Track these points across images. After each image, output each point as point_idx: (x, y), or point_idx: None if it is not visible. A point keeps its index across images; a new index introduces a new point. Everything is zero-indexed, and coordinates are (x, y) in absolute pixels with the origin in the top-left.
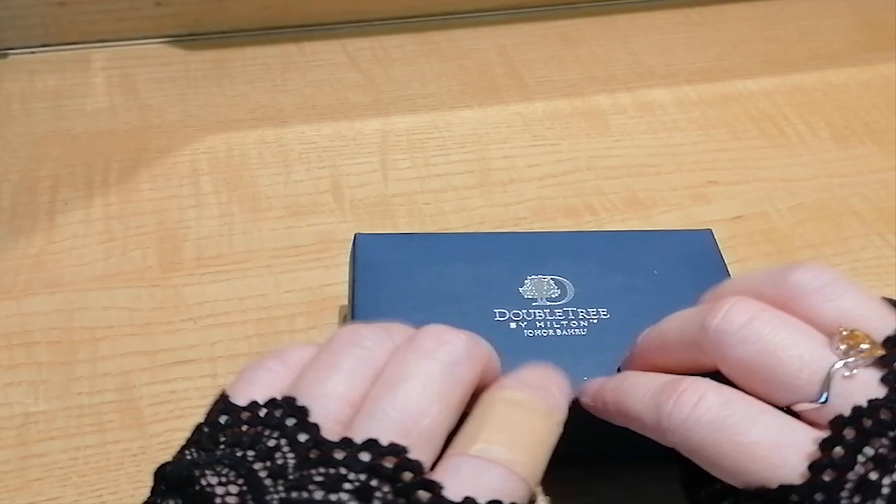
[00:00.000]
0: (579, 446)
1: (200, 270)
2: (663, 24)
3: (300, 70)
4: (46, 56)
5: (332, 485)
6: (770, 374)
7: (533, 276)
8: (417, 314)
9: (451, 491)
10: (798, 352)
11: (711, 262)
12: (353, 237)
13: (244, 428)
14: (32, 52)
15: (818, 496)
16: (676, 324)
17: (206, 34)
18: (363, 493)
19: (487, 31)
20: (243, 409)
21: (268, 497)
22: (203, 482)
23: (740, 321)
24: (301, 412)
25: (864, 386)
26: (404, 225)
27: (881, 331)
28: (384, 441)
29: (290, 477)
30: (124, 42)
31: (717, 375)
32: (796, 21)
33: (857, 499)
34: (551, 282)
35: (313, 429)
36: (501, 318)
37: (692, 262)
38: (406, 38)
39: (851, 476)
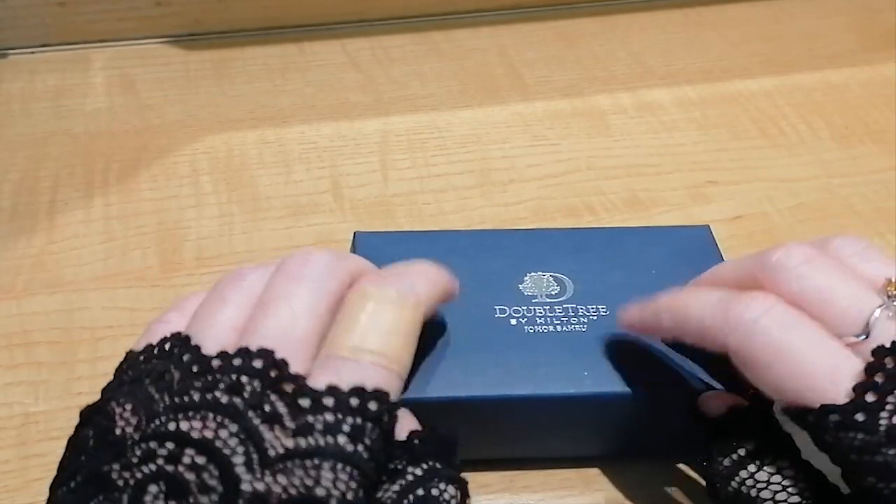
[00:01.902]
0: (582, 444)
1: (201, 270)
2: (663, 24)
3: (300, 70)
4: (46, 56)
5: (209, 387)
6: (820, 308)
7: (532, 273)
8: None
9: (315, 381)
10: (848, 291)
11: (709, 258)
12: (352, 235)
13: (142, 367)
14: (32, 52)
15: (859, 416)
16: (733, 263)
17: (206, 34)
18: (235, 389)
19: (487, 31)
20: (140, 353)
21: (155, 406)
22: (107, 408)
23: (799, 258)
24: (186, 340)
25: None
26: (404, 225)
27: None
28: (254, 348)
29: (175, 388)
30: (124, 42)
31: None
32: (796, 21)
33: (895, 420)
34: (551, 279)
35: (195, 350)
36: (502, 315)
37: (690, 258)
38: (406, 38)
39: (891, 399)
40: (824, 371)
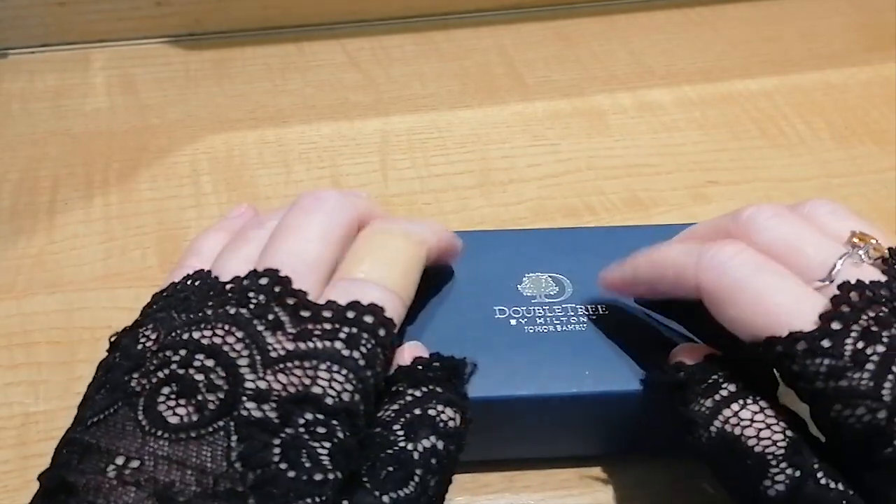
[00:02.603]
0: (583, 442)
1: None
2: (663, 24)
3: (300, 70)
4: (46, 56)
5: (220, 303)
6: (787, 256)
7: (531, 274)
8: (416, 313)
9: (318, 300)
10: (815, 241)
11: None
12: None
13: (166, 300)
14: (32, 52)
15: (825, 342)
16: (710, 221)
17: (206, 34)
18: (242, 302)
19: (487, 31)
20: (164, 290)
21: (173, 324)
22: (133, 332)
23: (769, 213)
24: (206, 274)
25: (869, 273)
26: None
27: (886, 244)
28: (260, 269)
29: (192, 308)
30: (124, 42)
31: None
32: (796, 21)
33: (860, 344)
34: (549, 279)
35: (213, 278)
36: (501, 316)
37: None
38: (406, 38)
39: (856, 327)
40: (792, 305)
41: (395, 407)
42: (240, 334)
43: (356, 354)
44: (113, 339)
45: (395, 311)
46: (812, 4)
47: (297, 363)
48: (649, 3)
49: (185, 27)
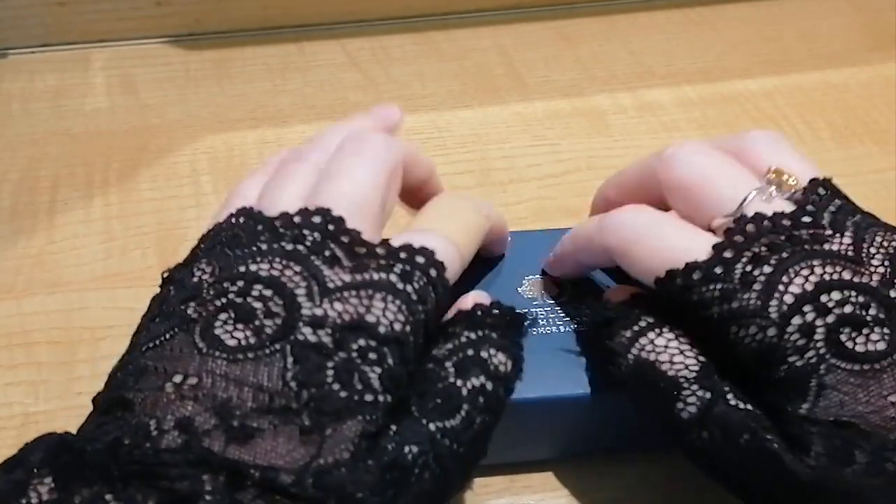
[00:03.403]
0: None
1: None
2: (663, 24)
3: (300, 70)
4: (46, 56)
5: (275, 239)
6: (701, 191)
7: (531, 277)
8: None
9: (373, 239)
10: (729, 177)
11: None
12: None
13: (213, 238)
14: (32, 52)
15: (717, 268)
16: (636, 162)
17: (206, 34)
18: (298, 238)
19: (487, 31)
20: (210, 230)
21: (228, 259)
22: (187, 267)
23: (690, 150)
24: (251, 210)
25: (776, 207)
26: (404, 225)
27: (807, 178)
28: (311, 207)
29: (245, 243)
30: (124, 42)
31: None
32: (796, 21)
33: (748, 268)
34: (549, 281)
35: (259, 215)
36: None
37: None
38: (406, 38)
39: (747, 254)
40: (688, 242)
41: (450, 346)
42: (298, 268)
43: (409, 288)
44: (165, 276)
45: (448, 257)
46: (812, 4)
47: (353, 293)
48: (649, 3)
49: (185, 27)
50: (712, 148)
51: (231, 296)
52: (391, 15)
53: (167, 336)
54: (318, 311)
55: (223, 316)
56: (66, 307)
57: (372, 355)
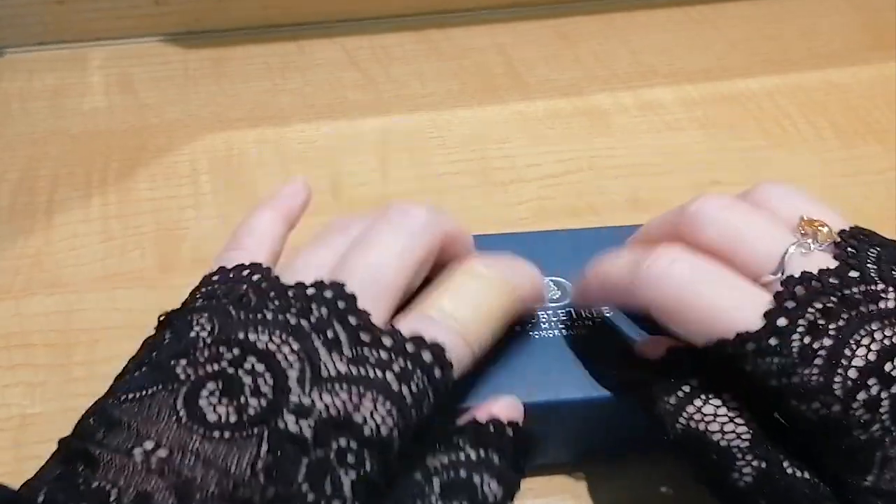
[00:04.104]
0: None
1: (199, 271)
2: (664, 23)
3: (299, 69)
4: (44, 55)
5: (281, 309)
6: (736, 251)
7: None
8: None
9: (384, 324)
10: (762, 232)
11: None
12: None
13: (219, 287)
14: (30, 51)
15: (772, 340)
16: (658, 219)
17: (204, 33)
18: (304, 312)
19: (487, 30)
20: (214, 274)
21: (230, 319)
22: (186, 315)
23: (715, 206)
24: (267, 271)
25: (819, 261)
26: None
27: (838, 227)
28: (327, 280)
29: (251, 307)
30: (123, 40)
31: None
32: (797, 20)
33: (806, 339)
34: (551, 283)
35: (275, 280)
36: None
37: None
38: (405, 37)
39: (802, 322)
40: (736, 305)
41: (445, 460)
42: (296, 346)
43: (405, 391)
44: (162, 318)
45: (458, 356)
46: (813, 3)
47: (344, 386)
48: (650, 2)
49: (183, 25)
50: (735, 200)
51: (224, 363)
52: (391, 14)
53: (149, 391)
54: (306, 400)
55: (211, 385)
56: (64, 308)
57: (350, 458)
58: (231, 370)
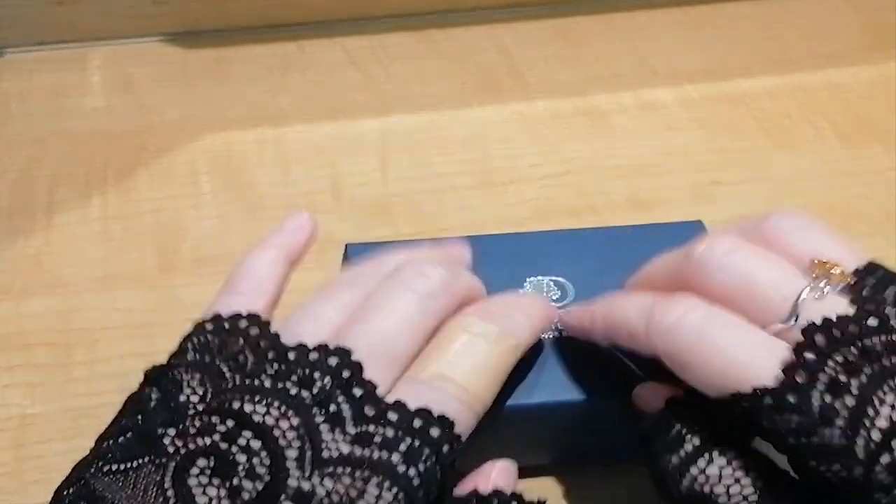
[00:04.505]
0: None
1: (199, 271)
2: (665, 23)
3: (299, 69)
4: (44, 55)
5: (281, 375)
6: (747, 297)
7: (532, 279)
8: None
9: (388, 395)
10: (773, 276)
11: None
12: (343, 248)
13: (213, 340)
14: (30, 51)
15: (791, 397)
16: (661, 262)
17: (204, 33)
18: (305, 382)
19: (488, 30)
20: (210, 321)
21: (224, 383)
22: (175, 374)
23: (722, 250)
24: (265, 324)
25: (834, 306)
26: (404, 225)
27: (851, 265)
28: (331, 344)
29: (248, 370)
30: (122, 41)
31: None
32: (797, 20)
33: (827, 398)
34: (551, 283)
35: (274, 338)
36: None
37: None
38: (406, 37)
39: (822, 378)
40: (752, 358)
41: None
42: (295, 421)
43: (412, 472)
44: (148, 372)
45: (465, 425)
46: (813, 3)
47: (348, 470)
48: (650, 2)
49: (183, 25)
50: (742, 242)
51: (216, 437)
52: (391, 13)
53: (135, 464)
54: (306, 485)
55: (202, 462)
56: (63, 308)
57: None
58: (224, 445)
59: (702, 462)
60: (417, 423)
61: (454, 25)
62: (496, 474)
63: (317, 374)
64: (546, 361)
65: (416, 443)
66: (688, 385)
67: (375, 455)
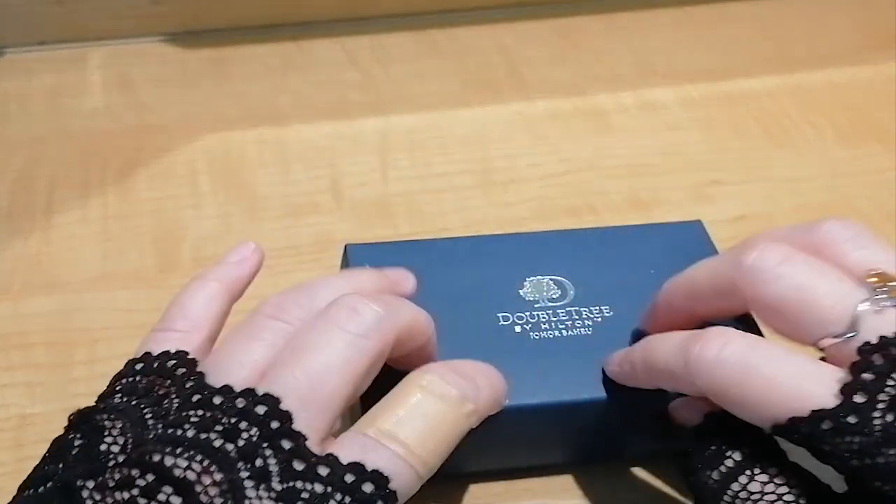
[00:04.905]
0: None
1: (198, 271)
2: (665, 23)
3: (299, 69)
4: (43, 55)
5: (205, 425)
6: (802, 309)
7: (531, 278)
8: None
9: (321, 447)
10: (830, 289)
11: (704, 252)
12: (343, 248)
13: (140, 382)
14: (30, 51)
15: (851, 418)
16: (707, 267)
17: (204, 32)
18: (230, 434)
19: (488, 30)
20: (139, 361)
21: (146, 432)
22: (98, 420)
23: (775, 259)
24: (192, 363)
25: (893, 321)
26: (404, 225)
27: None
28: (260, 391)
29: (171, 418)
30: (122, 40)
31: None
32: (798, 20)
33: (889, 417)
34: (550, 282)
35: (199, 378)
36: (505, 322)
37: (685, 253)
38: (406, 37)
39: (882, 397)
40: (803, 381)
41: None
42: (218, 477)
43: None
44: (72, 417)
45: (404, 483)
46: (813, 3)
47: None
48: (650, 2)
49: (182, 25)
50: (796, 252)
51: (135, 491)
52: (391, 13)
53: None
54: None
55: None
56: (63, 308)
57: None
58: (143, 501)
59: (743, 479)
60: (349, 478)
61: (454, 25)
62: None
63: (243, 425)
64: (551, 361)
65: (347, 499)
66: None
67: None
